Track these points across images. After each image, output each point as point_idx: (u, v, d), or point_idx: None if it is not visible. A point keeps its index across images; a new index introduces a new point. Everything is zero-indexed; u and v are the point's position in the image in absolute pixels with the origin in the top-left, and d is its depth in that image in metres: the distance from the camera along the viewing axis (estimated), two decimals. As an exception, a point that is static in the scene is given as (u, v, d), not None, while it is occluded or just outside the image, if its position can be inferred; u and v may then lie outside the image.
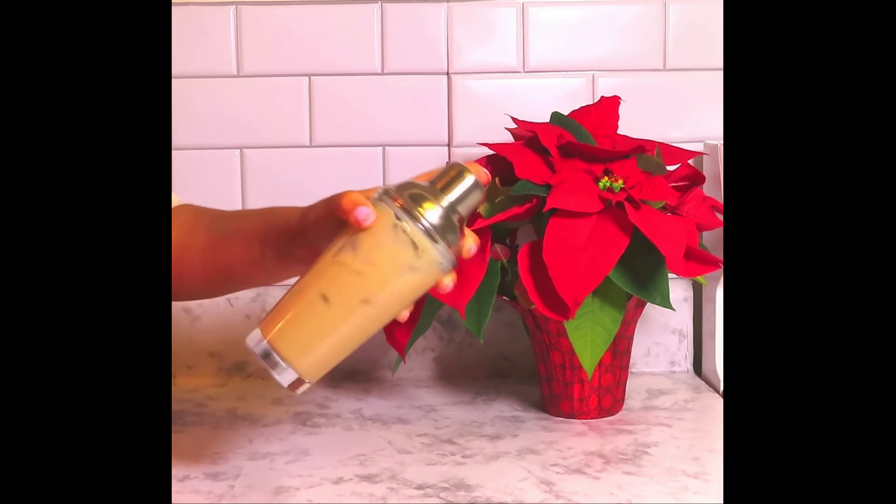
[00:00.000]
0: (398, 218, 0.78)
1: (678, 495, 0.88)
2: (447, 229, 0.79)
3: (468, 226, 0.84)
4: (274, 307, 0.80)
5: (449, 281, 0.80)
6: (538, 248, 0.99)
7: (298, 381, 0.80)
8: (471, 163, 0.82)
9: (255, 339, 0.80)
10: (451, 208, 0.79)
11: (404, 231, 0.77)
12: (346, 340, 0.80)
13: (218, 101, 1.23)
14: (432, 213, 0.78)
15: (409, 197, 0.78)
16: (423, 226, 0.78)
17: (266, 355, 0.79)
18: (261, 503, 0.88)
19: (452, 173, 0.80)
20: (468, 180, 0.80)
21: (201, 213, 0.97)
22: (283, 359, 0.79)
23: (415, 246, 0.77)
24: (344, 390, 1.20)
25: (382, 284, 0.78)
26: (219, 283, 0.94)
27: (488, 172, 0.82)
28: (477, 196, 0.80)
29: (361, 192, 0.80)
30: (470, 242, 0.81)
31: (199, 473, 0.94)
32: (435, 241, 0.78)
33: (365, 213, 0.77)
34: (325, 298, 0.78)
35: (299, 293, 0.80)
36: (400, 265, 0.78)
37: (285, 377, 0.79)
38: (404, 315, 0.81)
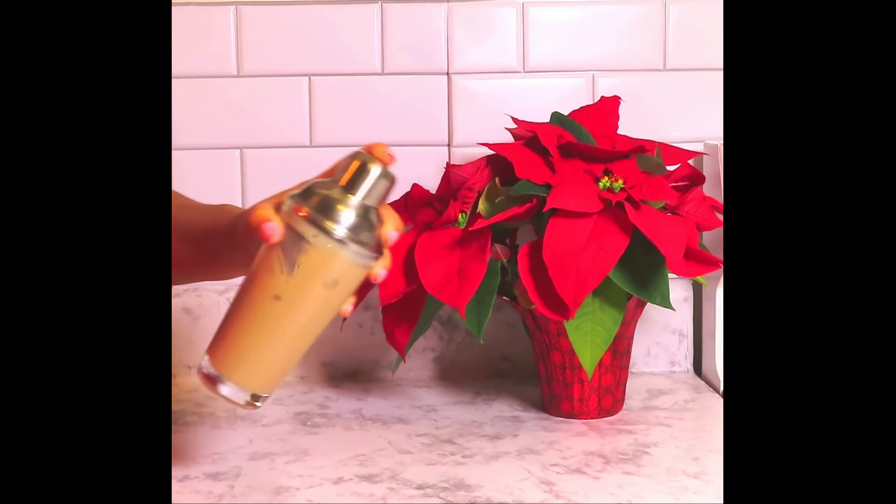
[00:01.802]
0: (305, 229, 0.76)
1: (678, 495, 0.88)
2: (359, 228, 0.77)
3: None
4: (217, 330, 0.81)
5: (379, 269, 0.79)
6: (538, 248, 0.99)
7: (255, 398, 0.81)
8: (374, 146, 0.79)
9: (205, 365, 0.81)
10: (361, 206, 0.77)
11: (311, 243, 0.76)
12: (289, 350, 0.80)
13: (218, 101, 1.23)
14: (341, 217, 0.76)
15: (314, 205, 0.77)
16: (332, 235, 0.76)
17: (217, 380, 0.80)
18: (261, 503, 0.88)
19: (356, 166, 0.78)
20: (373, 171, 0.77)
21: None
22: (231, 381, 0.80)
23: (325, 255, 0.77)
24: (344, 390, 1.20)
25: (303, 295, 0.78)
26: (180, 275, 0.93)
27: (392, 153, 0.79)
28: (385, 184, 0.78)
29: (273, 198, 0.80)
30: (389, 228, 0.79)
31: (199, 473, 0.94)
32: (345, 245, 0.76)
33: (271, 228, 0.76)
34: (256, 316, 0.78)
35: (233, 314, 0.80)
36: (314, 275, 0.77)
37: (238, 397, 0.80)
38: (346, 310, 0.81)
